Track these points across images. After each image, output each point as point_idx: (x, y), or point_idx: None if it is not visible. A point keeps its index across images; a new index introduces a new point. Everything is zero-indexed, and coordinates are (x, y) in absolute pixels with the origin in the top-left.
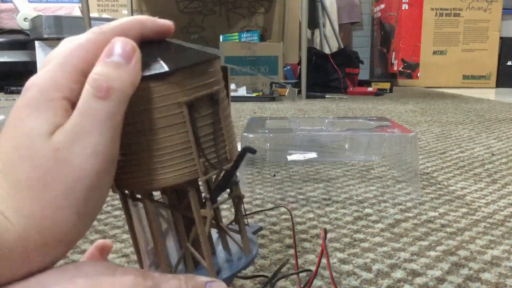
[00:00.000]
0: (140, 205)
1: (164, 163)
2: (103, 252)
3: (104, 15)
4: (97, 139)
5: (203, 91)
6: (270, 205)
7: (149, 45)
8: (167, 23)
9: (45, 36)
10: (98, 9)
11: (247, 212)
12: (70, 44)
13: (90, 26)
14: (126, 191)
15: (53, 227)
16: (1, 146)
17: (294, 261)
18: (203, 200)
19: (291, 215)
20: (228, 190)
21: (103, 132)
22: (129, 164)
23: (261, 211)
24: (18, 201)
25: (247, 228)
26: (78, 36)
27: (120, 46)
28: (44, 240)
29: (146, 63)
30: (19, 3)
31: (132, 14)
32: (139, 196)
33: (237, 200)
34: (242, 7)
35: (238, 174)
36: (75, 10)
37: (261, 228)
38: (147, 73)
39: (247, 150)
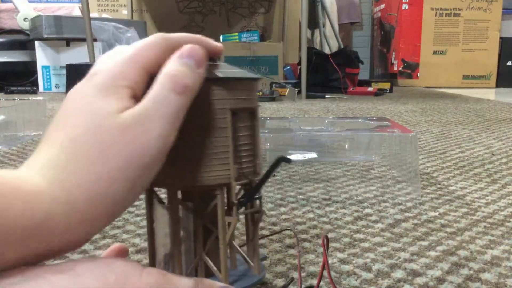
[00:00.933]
0: (161, 210)
1: (202, 163)
2: (119, 256)
3: (104, 15)
4: (165, 126)
5: (246, 105)
6: (270, 205)
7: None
8: (219, 45)
9: (45, 36)
10: (98, 9)
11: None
12: (138, 43)
13: (90, 26)
14: (155, 190)
15: (103, 200)
16: (61, 120)
17: (285, 269)
18: (227, 208)
19: (297, 238)
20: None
21: (171, 121)
22: (172, 160)
23: (268, 236)
24: (73, 172)
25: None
26: (145, 38)
27: (196, 51)
28: (91, 212)
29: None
30: (19, 3)
31: (132, 14)
32: (163, 198)
33: (256, 215)
34: (242, 7)
35: (267, 198)
36: (75, 10)
37: (265, 258)
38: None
39: (282, 159)
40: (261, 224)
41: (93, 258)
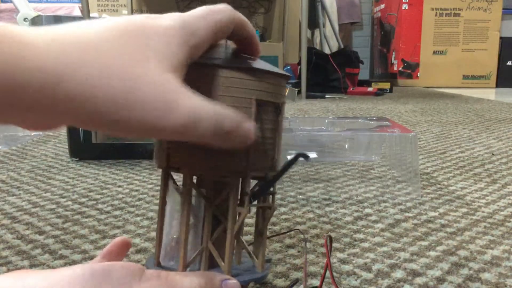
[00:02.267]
0: (174, 194)
1: (220, 149)
2: (122, 250)
3: (104, 15)
4: (189, 117)
5: (272, 98)
6: None
7: (241, 51)
8: (259, 49)
9: None
10: (98, 9)
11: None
12: (211, 6)
13: None
14: (172, 173)
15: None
16: (117, 27)
17: (285, 269)
18: (240, 199)
19: (304, 239)
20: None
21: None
22: (188, 143)
23: (276, 235)
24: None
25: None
26: (217, 5)
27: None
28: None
29: (235, 58)
30: (19, 3)
31: (132, 14)
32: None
33: (267, 211)
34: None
35: (279, 190)
36: (75, 10)
37: (270, 260)
38: (235, 64)
39: (300, 155)
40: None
41: (90, 265)
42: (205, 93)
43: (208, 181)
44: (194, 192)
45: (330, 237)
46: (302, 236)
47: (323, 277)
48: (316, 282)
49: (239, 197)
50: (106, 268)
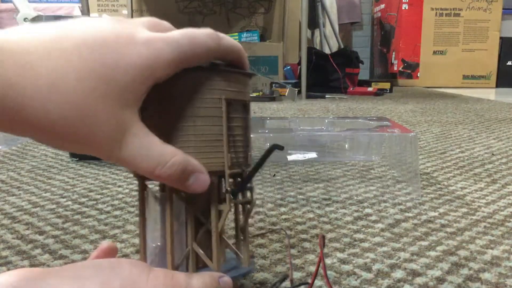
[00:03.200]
0: (154, 202)
1: (196, 150)
2: (109, 255)
3: (104, 15)
4: (137, 155)
5: (240, 97)
6: (270, 205)
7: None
8: (246, 63)
9: None
10: (98, 9)
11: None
12: (190, 34)
13: None
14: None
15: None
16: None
17: (285, 269)
18: (221, 196)
19: (287, 236)
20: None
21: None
22: (183, 147)
23: (261, 234)
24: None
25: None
26: (200, 32)
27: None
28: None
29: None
30: (19, 3)
31: (132, 14)
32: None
33: (247, 206)
34: (242, 7)
35: (253, 180)
36: (75, 10)
37: (253, 256)
38: (203, 66)
39: (275, 146)
40: (261, 224)
41: (98, 261)
42: (176, 95)
43: None
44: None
45: (323, 236)
46: (304, 236)
47: (315, 275)
48: (316, 281)
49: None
50: (114, 264)
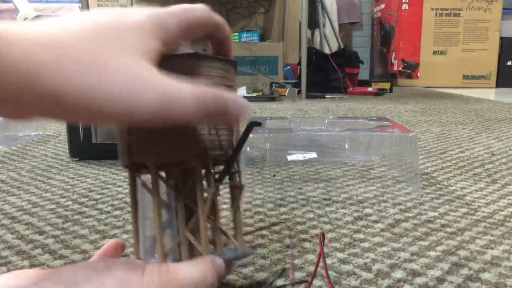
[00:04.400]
0: (144, 192)
1: (178, 135)
2: (117, 250)
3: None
4: (163, 102)
5: (224, 82)
6: (270, 205)
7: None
8: (230, 49)
9: None
10: None
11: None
12: (186, 5)
13: None
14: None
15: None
16: (87, 23)
17: (290, 271)
18: (205, 177)
19: (290, 231)
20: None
21: (170, 108)
22: (151, 134)
23: (261, 228)
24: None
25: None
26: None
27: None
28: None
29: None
30: (19, 3)
31: None
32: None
33: (237, 190)
34: (242, 7)
35: (240, 164)
36: (75, 10)
37: (254, 247)
38: (190, 52)
39: (253, 124)
40: (261, 224)
41: (93, 263)
42: None
43: (174, 172)
44: (163, 189)
45: (323, 234)
46: (304, 236)
47: (314, 272)
48: (316, 281)
49: (205, 180)
50: (109, 264)
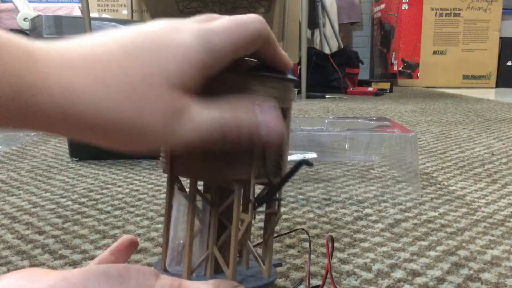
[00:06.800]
0: (180, 198)
1: (224, 157)
2: (130, 248)
3: (104, 15)
4: (193, 131)
5: (277, 103)
6: None
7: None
8: (290, 63)
9: (45, 36)
10: (98, 9)
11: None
12: (239, 22)
13: (90, 26)
14: (179, 178)
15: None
16: (128, 44)
17: (285, 269)
18: (245, 206)
19: (309, 238)
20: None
21: (199, 134)
22: (196, 150)
23: (281, 235)
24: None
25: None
26: (247, 18)
27: (272, 117)
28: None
29: (248, 65)
30: (19, 3)
31: (132, 14)
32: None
33: (273, 217)
34: (242, 7)
35: (282, 192)
36: (75, 10)
37: (280, 264)
38: (244, 69)
39: (303, 162)
40: (261, 224)
41: (106, 268)
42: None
43: (213, 186)
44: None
45: (332, 238)
46: (304, 236)
47: (325, 278)
48: (316, 282)
49: (243, 204)
50: (122, 271)
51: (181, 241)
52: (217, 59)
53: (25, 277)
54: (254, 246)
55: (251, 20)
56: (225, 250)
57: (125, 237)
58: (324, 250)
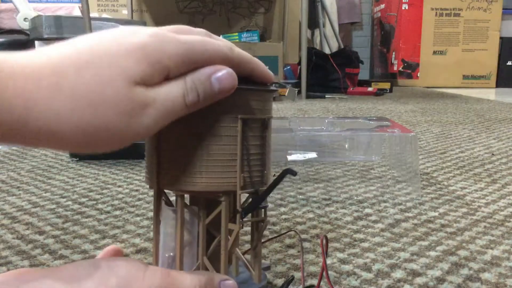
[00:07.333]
0: (168, 212)
1: (211, 169)
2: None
3: (104, 15)
4: (158, 122)
5: (258, 115)
6: (270, 205)
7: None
8: (270, 75)
9: (45, 36)
10: (98, 9)
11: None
12: (205, 39)
13: (90, 26)
14: (165, 191)
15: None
16: (85, 49)
17: (285, 269)
18: (232, 215)
19: (300, 239)
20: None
21: (164, 120)
22: (181, 164)
23: (272, 238)
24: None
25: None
26: (215, 40)
27: (228, 79)
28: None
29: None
30: (19, 3)
31: (132, 14)
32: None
33: (261, 224)
34: (242, 7)
35: (268, 199)
36: (75, 10)
37: (269, 268)
38: None
39: (287, 172)
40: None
41: (95, 260)
42: (191, 114)
43: (200, 198)
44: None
45: (326, 237)
46: (304, 236)
47: (320, 276)
48: (313, 281)
49: (230, 214)
50: (111, 263)
51: (171, 254)
52: (171, 63)
53: (13, 275)
54: (243, 253)
55: (214, 41)
56: (214, 259)
57: (109, 248)
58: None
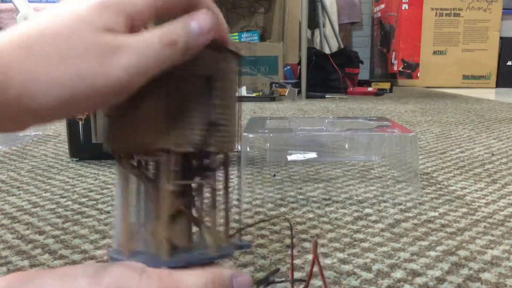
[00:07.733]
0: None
1: (149, 127)
2: None
3: None
4: (134, 63)
5: (197, 72)
6: (270, 205)
7: None
8: (227, 37)
9: None
10: None
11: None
12: None
13: None
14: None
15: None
16: (49, 15)
17: (285, 269)
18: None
19: (290, 225)
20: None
21: (142, 64)
22: (132, 123)
23: (260, 222)
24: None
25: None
26: None
27: (207, 22)
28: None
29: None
30: (19, 3)
31: None
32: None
33: (210, 190)
34: (242, 7)
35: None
36: None
37: (249, 246)
38: None
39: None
40: (261, 224)
41: (90, 263)
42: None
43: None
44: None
45: (316, 241)
46: (304, 236)
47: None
48: (315, 282)
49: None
50: (107, 264)
51: (133, 221)
52: (136, 10)
53: (7, 279)
54: (230, 236)
55: None
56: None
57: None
58: (322, 249)
